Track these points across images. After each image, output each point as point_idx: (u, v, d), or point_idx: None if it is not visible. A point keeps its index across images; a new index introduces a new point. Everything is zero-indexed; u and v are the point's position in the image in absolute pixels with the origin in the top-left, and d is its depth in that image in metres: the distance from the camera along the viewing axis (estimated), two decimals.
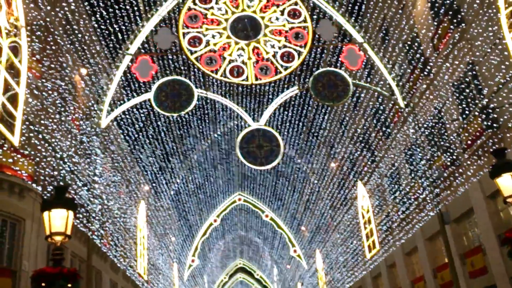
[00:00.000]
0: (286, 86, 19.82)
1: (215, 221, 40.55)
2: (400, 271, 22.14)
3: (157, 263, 29.13)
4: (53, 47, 16.03)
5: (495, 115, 12.60)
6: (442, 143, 16.02)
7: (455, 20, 15.13)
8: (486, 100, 12.74)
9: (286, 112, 27.20)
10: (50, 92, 14.74)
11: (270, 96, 21.69)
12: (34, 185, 13.26)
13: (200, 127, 29.30)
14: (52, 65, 15.60)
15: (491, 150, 9.46)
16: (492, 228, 14.10)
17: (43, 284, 7.11)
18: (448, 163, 14.92)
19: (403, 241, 20.93)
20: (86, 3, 16.95)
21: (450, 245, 14.72)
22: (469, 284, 15.59)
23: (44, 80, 14.66)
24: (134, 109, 20.31)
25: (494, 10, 11.53)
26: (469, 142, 13.89)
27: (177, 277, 35.84)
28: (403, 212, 19.82)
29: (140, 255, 22.08)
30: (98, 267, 20.48)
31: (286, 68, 15.87)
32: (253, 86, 19.46)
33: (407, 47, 18.97)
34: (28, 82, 11.35)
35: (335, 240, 30.71)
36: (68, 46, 17.41)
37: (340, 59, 16.76)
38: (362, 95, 22.34)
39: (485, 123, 13.02)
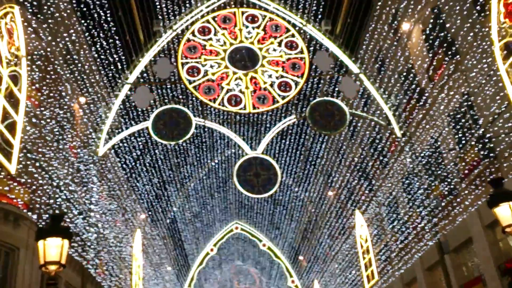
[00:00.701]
0: (283, 115, 19.96)
1: (211, 250, 40.10)
2: None
3: None
4: (53, 76, 16.19)
5: (492, 145, 12.68)
6: (439, 172, 16.05)
7: (449, 52, 15.39)
8: (482, 130, 12.84)
9: (283, 141, 27.29)
10: (48, 120, 14.80)
11: (268, 125, 21.81)
12: (29, 213, 13.16)
13: (198, 155, 29.31)
14: (51, 94, 15.72)
15: (489, 179, 9.48)
16: (492, 258, 13.99)
17: None
18: (446, 193, 14.92)
19: (402, 271, 20.71)
20: (86, 34, 17.20)
21: (450, 275, 14.58)
22: None
23: (42, 109, 14.74)
24: (132, 137, 20.36)
25: (488, 43, 11.74)
26: (466, 171, 13.92)
27: None
28: (402, 242, 19.68)
29: (135, 285, 21.72)
30: None
31: (283, 98, 16.01)
32: (251, 115, 19.56)
33: (403, 78, 19.22)
34: (26, 110, 11.41)
35: (333, 270, 30.35)
36: (68, 75, 17.60)
37: (336, 88, 16.99)
38: (359, 124, 22.49)
39: (481, 152, 13.09)
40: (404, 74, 19.01)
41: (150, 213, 29.94)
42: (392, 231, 21.19)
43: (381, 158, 21.87)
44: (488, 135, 12.60)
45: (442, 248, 14.77)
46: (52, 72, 15.79)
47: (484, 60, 13.22)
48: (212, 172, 32.47)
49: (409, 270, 19.94)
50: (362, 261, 21.27)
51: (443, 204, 14.95)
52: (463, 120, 15.22)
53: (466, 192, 13.88)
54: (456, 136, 15.66)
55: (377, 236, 22.92)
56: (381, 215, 22.93)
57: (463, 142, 14.95)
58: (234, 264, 50.89)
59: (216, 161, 31.43)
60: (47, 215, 12.81)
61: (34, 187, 13.32)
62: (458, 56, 15.00)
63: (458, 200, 14.44)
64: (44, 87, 15.45)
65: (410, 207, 19.20)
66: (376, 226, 23.13)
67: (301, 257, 37.81)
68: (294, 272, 39.00)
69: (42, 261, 7.52)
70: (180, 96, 19.37)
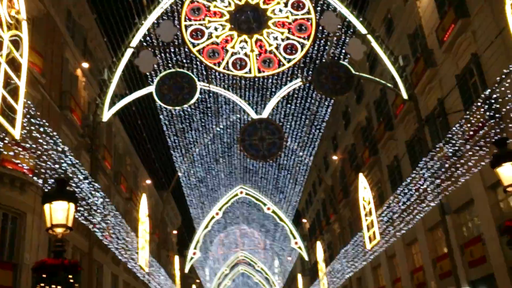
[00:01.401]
0: (289, 78, 19.79)
1: (217, 214, 40.63)
2: (400, 262, 22.23)
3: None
4: (55, 41, 16.01)
5: (498, 106, 12.58)
6: (444, 134, 16.01)
7: (459, 12, 15.06)
8: (489, 90, 12.70)
9: (289, 105, 27.15)
10: (51, 85, 14.73)
11: (273, 89, 21.66)
12: (35, 178, 13.29)
13: (203, 120, 29.28)
14: (54, 59, 15.59)
15: (493, 140, 9.44)
16: (492, 218, 14.13)
17: (44, 276, 7.08)
18: (450, 154, 14.92)
19: (404, 232, 20.99)
20: None
21: (450, 235, 14.78)
22: (467, 274, 15.66)
23: (45, 74, 14.65)
24: (137, 103, 20.31)
25: (499, 1, 11.47)
26: (471, 133, 13.88)
27: (178, 270, 35.98)
28: (404, 203, 19.85)
29: (142, 247, 22.14)
30: (99, 260, 20.60)
31: (289, 61, 15.83)
32: (256, 78, 19.41)
33: (411, 39, 18.89)
34: (29, 75, 11.35)
35: (336, 232, 30.78)
36: (70, 39, 17.38)
37: (343, 50, 16.72)
38: (365, 87, 22.30)
39: (487, 113, 13.00)
40: (412, 35, 18.68)
41: (156, 178, 30.21)
42: (394, 193, 21.34)
43: (386, 121, 21.80)
44: (494, 96, 12.47)
45: (443, 209, 14.89)
46: (54, 36, 15.61)
47: (494, 20, 12.94)
48: (217, 137, 32.53)
49: (411, 231, 20.20)
50: (365, 223, 21.54)
51: (446, 165, 14.98)
52: (470, 81, 15.07)
53: (470, 153, 13.87)
54: (463, 98, 15.53)
55: (380, 199, 23.11)
56: (384, 178, 23.04)
57: (470, 103, 14.84)
58: (239, 227, 51.69)
59: (221, 126, 31.43)
60: (52, 180, 12.92)
61: (39, 152, 13.40)
62: (467, 16, 14.69)
63: (462, 161, 14.45)
64: (46, 52, 15.31)
65: (413, 169, 19.26)
66: (379, 188, 23.29)
67: (304, 220, 38.31)
68: (297, 234, 39.59)
69: (49, 224, 7.57)
70: (184, 60, 19.17)
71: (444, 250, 16.93)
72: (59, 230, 7.55)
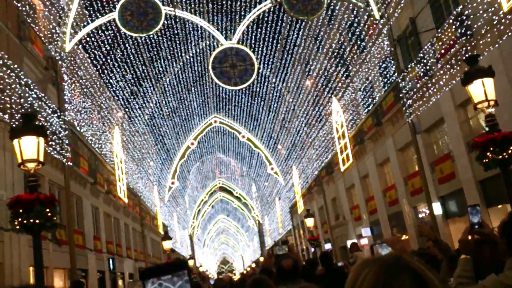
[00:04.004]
0: (258, 0, 19.13)
1: (192, 144, 40.78)
2: (372, 181, 23.01)
3: (136, 186, 29.53)
4: None
5: (469, 22, 12.49)
6: (415, 53, 15.98)
7: None
8: (461, 7, 12.55)
9: (259, 30, 26.54)
10: (8, 15, 13.87)
11: (242, 13, 20.99)
12: (1, 113, 12.86)
13: (171, 48, 28.47)
14: None
15: (464, 58, 9.43)
16: (462, 135, 14.53)
17: (20, 211, 7.07)
18: (421, 74, 14.99)
19: (376, 153, 21.54)
20: None
21: (421, 153, 15.19)
22: (437, 189, 16.34)
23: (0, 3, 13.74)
24: (100, 31, 19.45)
25: None
26: (442, 51, 13.87)
27: (158, 199, 36.58)
28: (376, 125, 20.19)
29: (119, 179, 22.23)
30: (77, 193, 20.64)
31: None
32: (224, 1, 18.69)
33: None
34: None
35: (310, 156, 31.42)
36: None
37: None
38: (337, 7, 21.79)
39: (459, 31, 12.93)
40: None
41: (127, 110, 29.72)
42: (367, 114, 21.62)
43: (358, 42, 21.57)
44: (466, 12, 12.35)
45: (415, 128, 15.20)
46: None
47: None
48: (187, 66, 31.86)
49: (382, 151, 20.75)
50: (338, 146, 21.94)
51: (418, 85, 15.10)
52: None
53: (441, 72, 13.96)
54: (434, 16, 15.36)
55: (353, 121, 23.43)
56: (357, 101, 23.22)
57: (441, 21, 14.70)
58: (215, 156, 52.26)
59: (191, 54, 30.67)
60: (19, 115, 12.53)
61: (1, 86, 12.86)
62: None
63: (433, 81, 14.57)
64: None
65: (385, 90, 19.40)
66: (352, 111, 23.52)
67: (279, 146, 38.85)
68: (273, 160, 40.31)
69: (20, 160, 7.44)
70: None
71: (415, 168, 17.51)
72: (31, 165, 7.43)
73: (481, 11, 11.47)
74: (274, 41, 28.41)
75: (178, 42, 28.07)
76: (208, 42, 28.93)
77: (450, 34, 13.35)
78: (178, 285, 1.02)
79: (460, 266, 2.65)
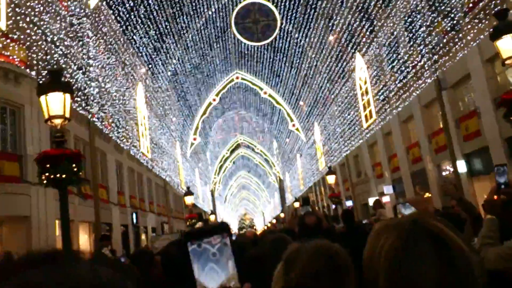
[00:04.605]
0: None
1: (214, 100, 40.85)
2: (395, 139, 22.86)
3: (159, 142, 29.97)
4: None
5: None
6: (442, 7, 15.47)
7: None
8: None
9: None
10: None
11: None
12: (28, 70, 13.10)
13: (193, 3, 28.08)
14: None
15: (493, 12, 9.13)
16: (488, 92, 14.24)
17: (47, 166, 7.23)
18: (448, 29, 14.56)
19: (400, 109, 21.29)
20: None
21: (446, 110, 14.98)
22: (462, 147, 16.17)
23: None
24: None
25: None
26: (470, 5, 13.40)
27: (180, 155, 37.13)
28: (401, 81, 19.86)
29: (142, 135, 22.59)
30: (102, 148, 21.12)
31: None
32: None
33: None
34: None
35: (332, 113, 31.22)
36: None
37: None
38: None
39: None
40: None
41: (150, 66, 29.78)
42: (391, 71, 21.24)
43: None
44: None
45: (440, 84, 14.91)
46: None
47: None
48: (209, 22, 31.47)
49: (406, 108, 20.49)
50: (361, 102, 21.74)
51: (444, 40, 14.70)
52: None
53: (469, 27, 13.53)
54: None
55: (376, 77, 23.06)
56: (381, 56, 22.76)
57: None
58: (237, 112, 52.33)
59: (213, 9, 30.24)
60: (46, 71, 12.74)
61: (28, 43, 13.03)
62: None
63: (460, 35, 14.16)
64: None
65: (411, 46, 18.95)
66: (376, 67, 23.11)
67: (301, 102, 38.64)
68: (294, 117, 40.20)
69: (47, 116, 7.62)
70: None
71: (440, 126, 17.31)
72: (58, 121, 7.60)
73: None
74: None
75: None
76: None
77: None
78: (217, 247, 1.04)
79: (485, 227, 2.61)
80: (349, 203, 28.69)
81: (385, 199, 23.90)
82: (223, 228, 1.08)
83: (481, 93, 14.74)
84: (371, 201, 25.74)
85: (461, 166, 15.58)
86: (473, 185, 16.14)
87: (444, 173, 18.46)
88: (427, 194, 20.15)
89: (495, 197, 2.71)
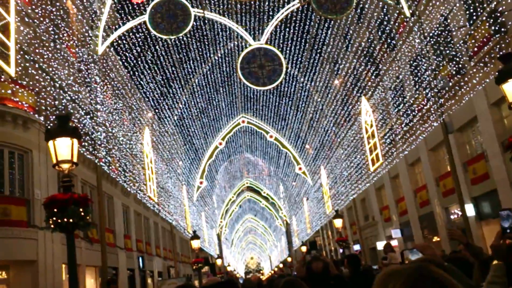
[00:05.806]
0: (286, 0, 19.07)
1: (220, 144, 41.00)
2: (403, 182, 22.65)
3: (166, 186, 29.88)
4: None
5: (503, 19, 12.17)
6: (448, 52, 15.66)
7: None
8: (494, 3, 12.23)
9: (287, 29, 26.43)
10: (41, 19, 14.26)
11: (271, 13, 20.96)
12: (36, 115, 13.24)
13: (200, 49, 28.70)
14: None
15: (498, 56, 9.19)
16: (495, 135, 14.17)
17: (55, 210, 7.24)
18: (454, 72, 14.68)
19: (407, 153, 21.20)
20: None
21: (453, 153, 14.88)
22: (470, 190, 15.96)
23: (34, 7, 14.13)
24: (131, 34, 19.78)
25: None
26: (475, 49, 13.55)
27: (187, 199, 36.92)
28: (407, 124, 19.88)
29: (149, 179, 22.56)
30: (109, 192, 21.06)
31: None
32: (252, 2, 18.72)
33: None
34: (17, 9, 10.94)
35: (339, 156, 31.14)
36: None
37: None
38: (366, 5, 21.55)
39: (492, 28, 12.61)
40: None
41: (156, 110, 30.13)
42: (397, 114, 21.31)
43: (388, 40, 21.28)
44: (500, 9, 12.03)
45: (446, 128, 14.88)
46: None
47: None
48: (215, 67, 32.06)
49: (413, 151, 20.41)
50: (367, 146, 21.70)
51: (450, 84, 14.79)
52: None
53: (474, 70, 13.64)
54: (467, 12, 15.02)
55: (382, 121, 23.12)
56: (387, 100, 22.91)
57: (474, 18, 14.37)
58: (243, 156, 52.43)
59: (219, 55, 30.85)
60: (53, 117, 12.88)
61: (37, 89, 13.25)
62: None
63: (466, 79, 14.25)
64: None
65: (416, 89, 19.08)
66: (382, 111, 23.22)
67: (307, 146, 38.67)
68: (301, 160, 40.14)
69: (55, 161, 7.64)
70: None
71: (447, 169, 17.16)
72: (65, 166, 7.60)
73: None
74: (303, 41, 28.28)
75: (207, 43, 28.26)
76: (236, 43, 29.03)
77: (483, 31, 13.04)
78: None
79: (492, 272, 2.59)
80: (356, 247, 28.17)
81: (393, 243, 23.37)
82: (230, 284, 1.04)
83: (488, 136, 14.68)
84: (379, 245, 25.28)
85: (470, 210, 15.34)
86: (482, 229, 15.83)
87: (452, 217, 18.16)
88: (435, 238, 19.73)
89: (502, 242, 2.67)
